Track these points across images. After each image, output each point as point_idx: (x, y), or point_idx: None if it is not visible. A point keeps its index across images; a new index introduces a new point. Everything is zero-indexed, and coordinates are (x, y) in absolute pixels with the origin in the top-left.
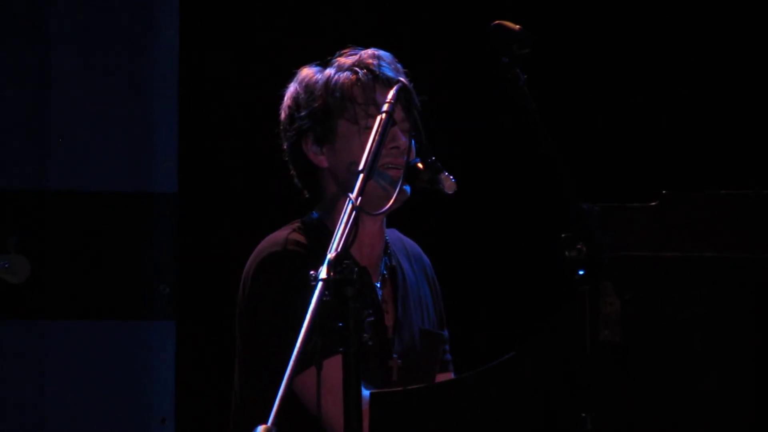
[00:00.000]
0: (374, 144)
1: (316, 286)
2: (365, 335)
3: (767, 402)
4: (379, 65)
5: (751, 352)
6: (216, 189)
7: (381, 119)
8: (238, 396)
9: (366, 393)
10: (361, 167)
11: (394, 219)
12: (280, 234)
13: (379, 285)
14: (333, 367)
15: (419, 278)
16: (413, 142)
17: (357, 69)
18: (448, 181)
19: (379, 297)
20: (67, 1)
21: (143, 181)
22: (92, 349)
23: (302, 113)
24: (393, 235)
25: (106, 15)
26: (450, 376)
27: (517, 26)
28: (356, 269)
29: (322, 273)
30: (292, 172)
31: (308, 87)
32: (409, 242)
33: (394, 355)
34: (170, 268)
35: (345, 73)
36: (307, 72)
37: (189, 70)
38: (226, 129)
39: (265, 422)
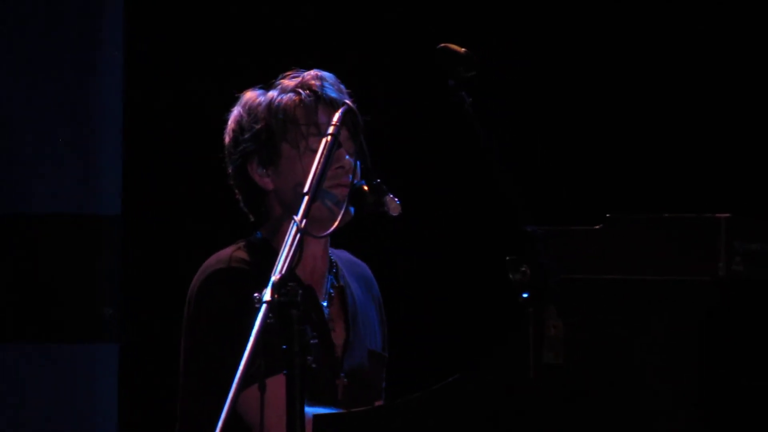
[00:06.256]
0: (319, 166)
1: (260, 308)
2: (309, 358)
3: (710, 424)
4: (322, 86)
5: (694, 375)
6: (160, 211)
7: (326, 141)
8: (180, 415)
9: (308, 412)
10: (305, 189)
11: (339, 239)
12: (225, 252)
13: (326, 304)
14: (276, 384)
15: (367, 299)
16: (358, 164)
17: (300, 90)
18: (393, 204)
19: (326, 315)
20: (8, 24)
21: (87, 203)
22: (35, 372)
23: (246, 136)
24: (343, 255)
25: (50, 35)
26: (382, 402)
27: (463, 49)
28: (300, 291)
29: (267, 295)
30: (237, 196)
31: (251, 110)
32: (359, 264)
33: (342, 374)
34: (114, 291)
35: (288, 95)
36: (251, 95)
37: (133, 91)
38: (170, 151)
39: None
